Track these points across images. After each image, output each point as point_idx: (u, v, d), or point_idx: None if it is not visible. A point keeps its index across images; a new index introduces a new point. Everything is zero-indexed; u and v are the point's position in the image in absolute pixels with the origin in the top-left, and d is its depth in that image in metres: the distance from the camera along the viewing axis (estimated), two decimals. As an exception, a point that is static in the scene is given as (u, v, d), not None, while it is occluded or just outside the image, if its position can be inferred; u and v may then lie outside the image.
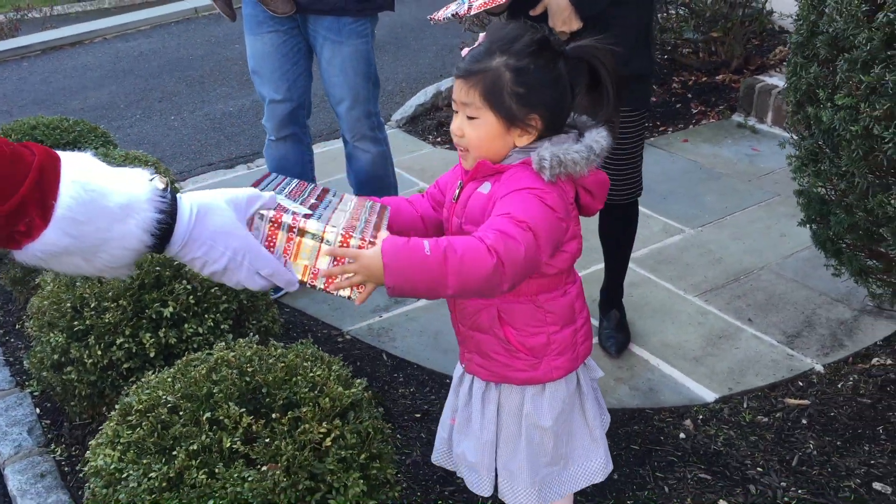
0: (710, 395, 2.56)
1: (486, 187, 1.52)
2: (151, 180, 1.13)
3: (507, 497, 1.74)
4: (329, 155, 4.37)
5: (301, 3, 2.85)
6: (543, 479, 1.72)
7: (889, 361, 2.63)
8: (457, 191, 1.59)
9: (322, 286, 1.34)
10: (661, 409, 2.51)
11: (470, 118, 1.49)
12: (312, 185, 1.56)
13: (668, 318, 2.93)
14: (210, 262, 1.18)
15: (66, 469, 2.37)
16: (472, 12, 2.12)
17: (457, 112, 1.53)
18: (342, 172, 3.39)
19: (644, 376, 2.66)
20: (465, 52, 1.52)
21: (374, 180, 3.20)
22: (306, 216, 1.34)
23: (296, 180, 1.56)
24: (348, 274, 1.32)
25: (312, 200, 1.46)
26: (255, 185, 1.46)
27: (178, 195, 1.17)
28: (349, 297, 1.37)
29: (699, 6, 4.76)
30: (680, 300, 3.03)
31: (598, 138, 1.50)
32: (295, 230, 1.31)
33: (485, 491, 1.75)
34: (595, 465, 1.76)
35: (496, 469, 1.74)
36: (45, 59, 6.98)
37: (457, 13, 2.12)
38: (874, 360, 2.64)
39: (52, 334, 2.23)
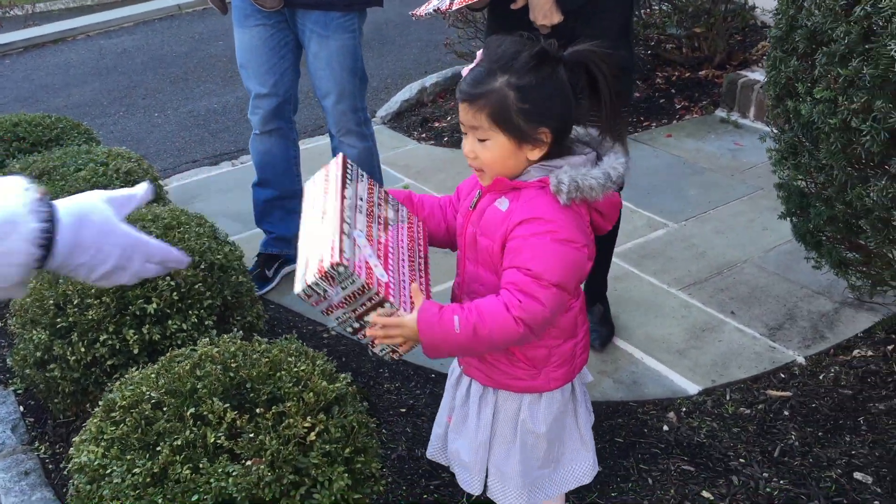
0: (693, 388, 2.58)
1: (503, 203, 1.53)
2: (27, 189, 1.04)
3: (498, 497, 1.76)
4: (316, 150, 4.36)
5: None
6: (534, 482, 1.76)
7: (870, 353, 2.65)
8: (475, 199, 1.60)
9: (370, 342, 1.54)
10: (644, 402, 2.53)
11: (481, 140, 1.49)
12: (378, 189, 1.63)
13: (651, 312, 2.95)
14: (98, 264, 1.11)
15: (50, 467, 2.37)
16: (454, 7, 2.13)
17: (466, 134, 1.52)
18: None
19: (628, 369, 2.68)
20: (465, 71, 1.52)
21: None
22: (388, 283, 1.47)
23: (366, 176, 1.64)
24: (394, 337, 1.50)
25: (380, 228, 1.56)
26: (344, 165, 1.58)
27: (53, 202, 1.08)
28: (392, 355, 1.55)
29: (682, 2, 4.79)
30: (664, 294, 3.05)
31: (616, 164, 1.51)
32: (380, 297, 1.44)
33: (475, 489, 1.78)
34: (583, 467, 1.79)
35: (487, 469, 1.77)
36: (28, 56, 6.93)
37: (438, 8, 2.12)
38: (855, 352, 2.67)
39: (34, 332, 2.22)
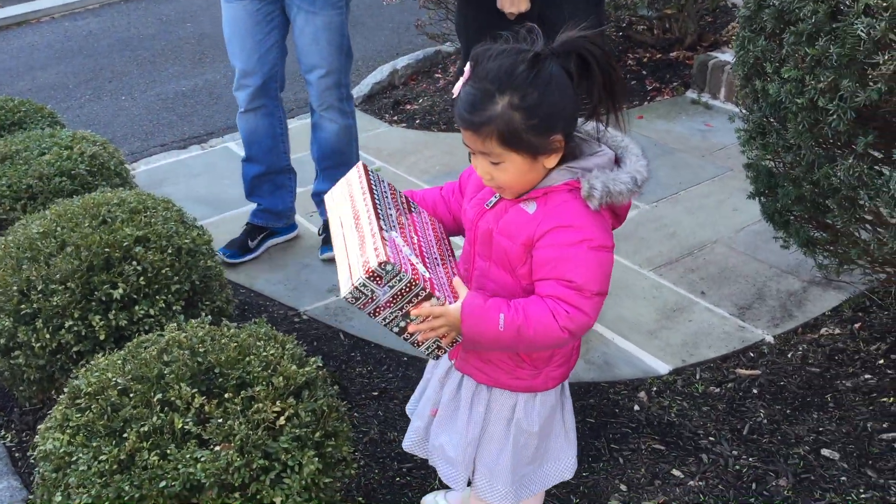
0: (663, 368, 2.59)
1: (530, 206, 1.49)
2: None
3: (485, 493, 1.75)
4: (305, 128, 4.30)
5: None
6: (521, 479, 1.75)
7: (837, 331, 2.69)
8: (492, 199, 1.55)
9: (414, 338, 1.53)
10: (616, 383, 2.55)
11: (494, 163, 1.44)
12: (398, 192, 1.64)
13: (623, 293, 2.96)
14: None
15: (17, 455, 2.34)
16: None
17: (474, 154, 1.47)
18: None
19: (599, 350, 2.69)
20: (456, 89, 1.46)
21: (336, 153, 3.17)
22: (431, 279, 1.47)
23: (386, 181, 1.65)
24: (438, 328, 1.49)
25: (411, 229, 1.58)
26: (366, 171, 1.60)
27: None
28: (437, 352, 1.55)
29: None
30: (634, 275, 3.06)
31: (640, 168, 1.50)
32: (426, 292, 1.45)
33: (459, 485, 1.76)
34: (566, 463, 1.79)
35: (474, 465, 1.76)
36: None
37: None
38: (823, 330, 2.70)
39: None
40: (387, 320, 1.48)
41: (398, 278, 1.41)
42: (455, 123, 1.49)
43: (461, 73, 2.58)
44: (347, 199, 1.59)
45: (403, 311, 1.46)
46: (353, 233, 1.50)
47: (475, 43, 2.48)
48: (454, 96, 1.47)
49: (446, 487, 2.09)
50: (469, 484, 1.78)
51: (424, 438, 1.83)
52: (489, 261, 1.57)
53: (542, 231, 1.46)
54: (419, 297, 1.45)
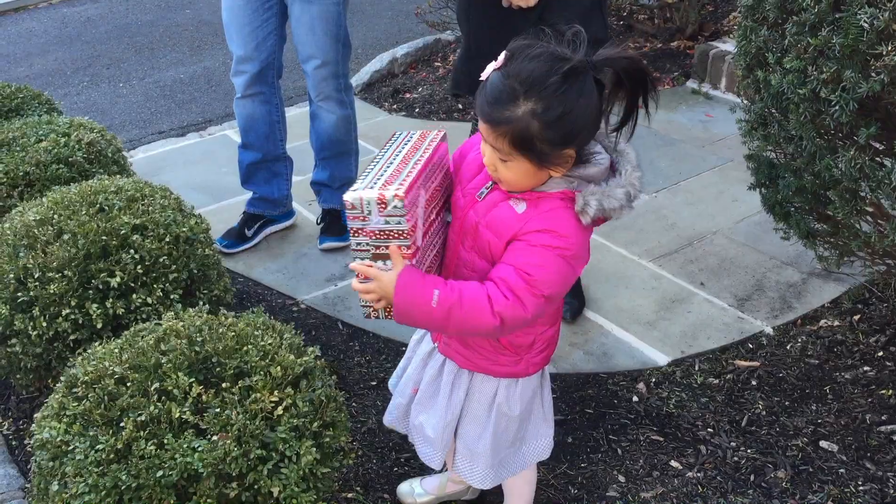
0: (662, 359, 2.59)
1: (520, 206, 1.48)
2: None
3: (466, 474, 1.77)
4: (304, 116, 4.28)
5: None
6: (501, 460, 1.77)
7: (836, 323, 2.68)
8: (484, 190, 1.54)
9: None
10: (614, 373, 2.54)
11: (502, 159, 1.43)
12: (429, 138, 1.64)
13: (622, 284, 2.95)
14: None
15: (14, 443, 2.33)
16: None
17: (486, 141, 1.45)
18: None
19: (598, 341, 2.68)
20: (485, 74, 1.43)
21: (335, 143, 3.16)
22: (417, 250, 1.50)
23: (447, 165, 1.66)
24: (370, 293, 1.49)
25: (436, 208, 1.60)
26: (441, 141, 1.61)
27: None
28: (373, 314, 1.56)
29: (654, -28, 4.76)
30: (634, 265, 3.06)
31: (634, 181, 1.47)
32: (407, 251, 1.48)
33: (436, 464, 1.79)
34: (544, 443, 1.81)
35: (456, 447, 1.77)
36: (-12, 24, 6.75)
37: None
38: (822, 322, 2.70)
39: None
40: (358, 246, 1.49)
41: (397, 221, 1.43)
42: (473, 111, 1.48)
43: (464, 62, 2.56)
44: (411, 145, 1.60)
45: (375, 250, 1.48)
46: (393, 167, 1.51)
47: (477, 33, 2.49)
48: (482, 80, 1.44)
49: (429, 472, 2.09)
50: (445, 468, 1.79)
51: (405, 415, 1.85)
52: (473, 252, 1.56)
53: (527, 230, 1.46)
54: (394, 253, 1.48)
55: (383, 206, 1.42)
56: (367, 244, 1.48)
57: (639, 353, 2.63)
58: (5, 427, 2.38)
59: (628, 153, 1.52)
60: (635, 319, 2.77)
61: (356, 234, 1.48)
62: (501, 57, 1.41)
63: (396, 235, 1.45)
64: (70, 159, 2.71)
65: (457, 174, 1.65)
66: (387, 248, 1.47)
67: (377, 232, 1.46)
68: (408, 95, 4.75)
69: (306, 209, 3.51)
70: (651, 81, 1.43)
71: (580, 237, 1.48)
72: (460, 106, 4.50)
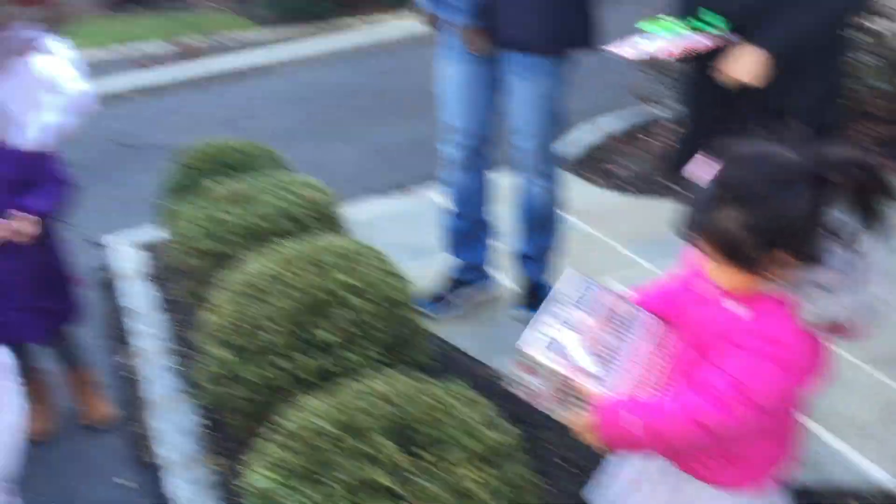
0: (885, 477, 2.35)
1: (743, 310, 1.41)
2: None
3: None
4: (509, 185, 4.38)
5: (497, 40, 2.88)
6: None
7: None
8: (703, 288, 1.47)
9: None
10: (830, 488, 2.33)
11: (713, 261, 1.39)
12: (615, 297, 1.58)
13: (840, 387, 2.72)
14: None
15: (224, 480, 2.46)
16: (676, 56, 2.08)
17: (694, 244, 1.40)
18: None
19: (810, 449, 2.48)
20: (692, 169, 1.38)
21: (539, 218, 3.18)
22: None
23: (597, 287, 1.60)
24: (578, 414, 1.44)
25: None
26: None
27: None
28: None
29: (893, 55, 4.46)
30: (853, 369, 2.82)
31: (873, 299, 1.35)
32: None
33: None
34: None
35: None
36: (231, 84, 7.44)
37: (652, 55, 2.07)
38: None
39: (217, 349, 2.32)
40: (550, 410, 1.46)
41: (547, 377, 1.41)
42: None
43: (685, 143, 2.49)
44: (608, 304, 1.55)
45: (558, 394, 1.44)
46: (590, 336, 1.48)
47: (701, 115, 2.42)
48: (685, 176, 1.40)
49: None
50: None
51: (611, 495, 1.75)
52: (697, 351, 1.48)
53: (747, 332, 1.38)
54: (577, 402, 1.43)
55: (526, 367, 1.41)
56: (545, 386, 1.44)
57: (855, 466, 2.40)
58: (216, 463, 2.52)
59: (870, 256, 1.38)
60: (856, 429, 2.54)
61: (534, 400, 1.45)
62: (715, 164, 1.35)
63: (565, 390, 1.42)
64: (293, 215, 2.90)
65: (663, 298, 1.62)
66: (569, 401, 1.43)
67: (552, 393, 1.43)
68: (616, 169, 4.70)
69: (505, 277, 3.53)
70: (886, 185, 1.31)
71: (803, 343, 1.37)
72: (673, 185, 4.39)
